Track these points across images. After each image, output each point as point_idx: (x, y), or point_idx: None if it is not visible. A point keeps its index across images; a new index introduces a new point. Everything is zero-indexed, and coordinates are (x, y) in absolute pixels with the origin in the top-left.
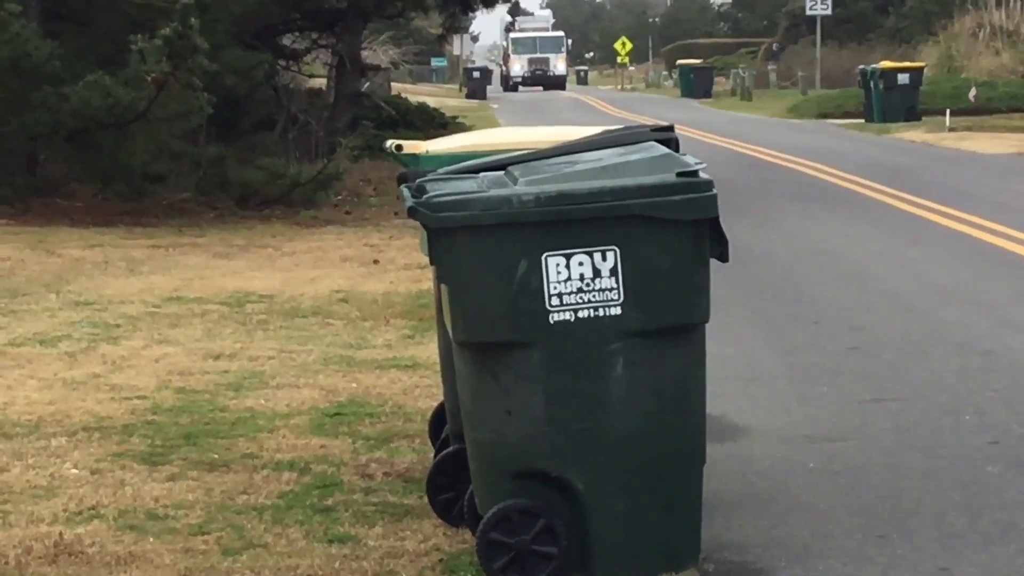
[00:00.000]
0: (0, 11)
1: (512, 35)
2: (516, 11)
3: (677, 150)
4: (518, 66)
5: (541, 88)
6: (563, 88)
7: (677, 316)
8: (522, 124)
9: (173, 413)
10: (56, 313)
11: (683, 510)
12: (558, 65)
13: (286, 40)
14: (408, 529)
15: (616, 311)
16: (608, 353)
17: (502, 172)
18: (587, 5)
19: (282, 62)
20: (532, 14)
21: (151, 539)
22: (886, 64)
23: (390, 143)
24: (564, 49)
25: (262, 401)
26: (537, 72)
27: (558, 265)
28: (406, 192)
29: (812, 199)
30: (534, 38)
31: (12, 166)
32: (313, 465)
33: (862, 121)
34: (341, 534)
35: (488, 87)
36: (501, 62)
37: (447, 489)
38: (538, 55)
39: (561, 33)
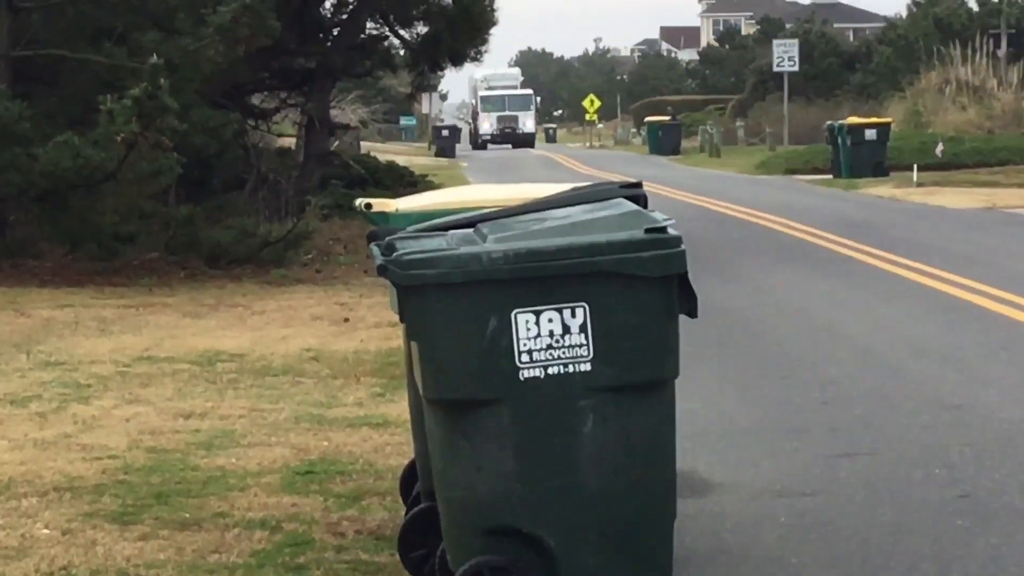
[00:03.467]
0: None
1: (481, 93)
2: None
3: (646, 206)
4: (487, 124)
5: (511, 146)
6: (532, 146)
7: (647, 372)
8: (492, 182)
9: (144, 472)
10: (27, 373)
11: (654, 566)
12: (527, 123)
13: (255, 99)
14: None
15: (586, 367)
16: (578, 409)
17: (471, 229)
18: (555, 63)
19: (251, 121)
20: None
21: None
22: (853, 120)
23: (360, 201)
24: (533, 107)
25: (233, 460)
26: (506, 130)
27: (528, 322)
28: (376, 250)
29: (781, 255)
30: (503, 96)
31: None
32: (285, 523)
33: (830, 177)
34: None
35: (457, 145)
36: (470, 120)
37: (419, 546)
38: (507, 113)
39: (530, 91)
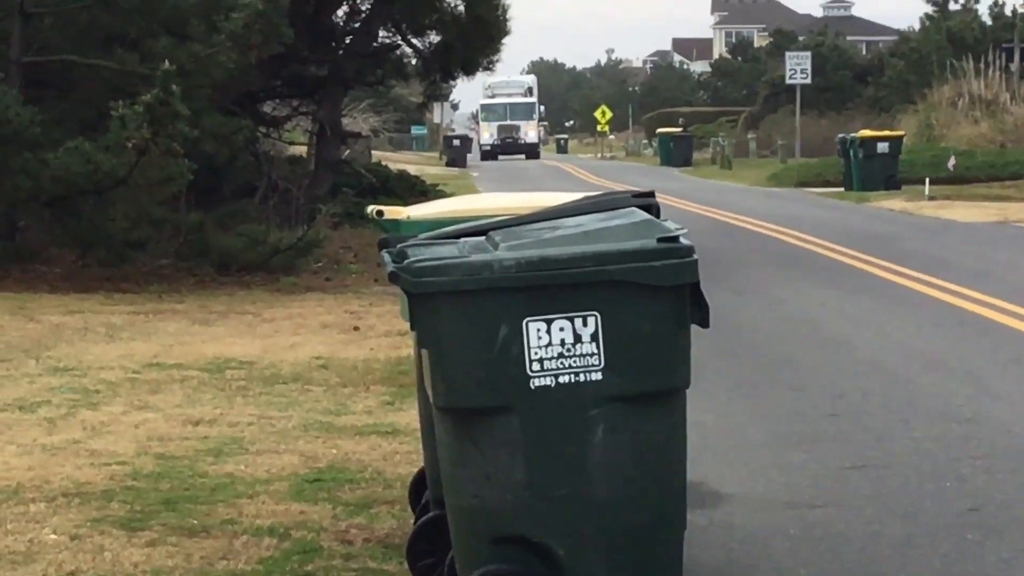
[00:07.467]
0: None
1: (482, 101)
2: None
3: (658, 216)
4: (487, 134)
5: (524, 156)
6: (537, 156)
7: (658, 381)
8: (502, 191)
9: (153, 479)
10: (36, 379)
11: None
12: (529, 133)
13: (267, 107)
14: None
15: (597, 376)
16: (589, 418)
17: (483, 237)
18: (567, 73)
19: (263, 129)
20: None
21: None
22: (865, 133)
23: (371, 209)
24: (536, 116)
25: (242, 467)
26: (507, 140)
27: (539, 330)
28: (387, 257)
29: (793, 267)
30: (505, 104)
31: None
32: (293, 531)
33: (842, 190)
34: None
35: (468, 155)
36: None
37: (427, 555)
38: (508, 122)
39: (533, 100)
